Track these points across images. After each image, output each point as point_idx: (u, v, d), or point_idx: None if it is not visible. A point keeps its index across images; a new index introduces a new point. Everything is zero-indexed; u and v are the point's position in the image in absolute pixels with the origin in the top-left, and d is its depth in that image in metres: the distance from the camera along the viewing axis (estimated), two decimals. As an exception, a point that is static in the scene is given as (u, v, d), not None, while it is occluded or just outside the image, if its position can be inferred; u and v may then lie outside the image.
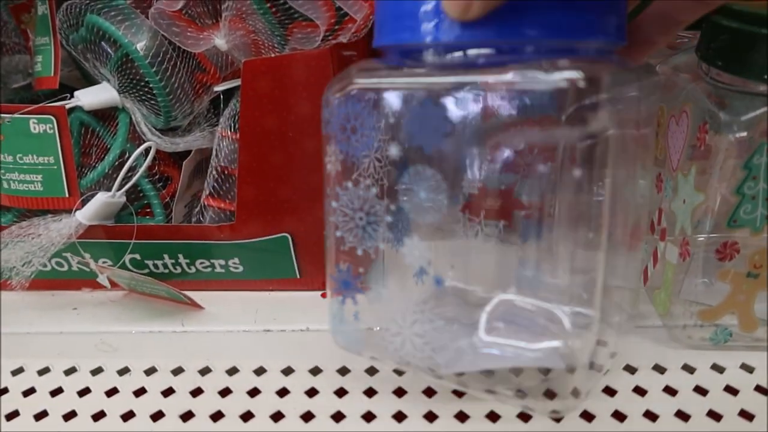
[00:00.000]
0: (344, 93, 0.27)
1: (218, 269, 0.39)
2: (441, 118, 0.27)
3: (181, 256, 0.39)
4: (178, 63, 0.36)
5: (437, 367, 0.29)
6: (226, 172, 0.37)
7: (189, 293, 0.38)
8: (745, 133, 0.29)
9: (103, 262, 0.39)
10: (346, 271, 0.30)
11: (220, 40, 0.34)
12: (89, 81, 0.40)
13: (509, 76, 0.23)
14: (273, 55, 0.34)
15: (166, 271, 0.40)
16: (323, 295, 0.40)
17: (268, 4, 0.34)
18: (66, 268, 0.40)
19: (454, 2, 0.21)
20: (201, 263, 0.39)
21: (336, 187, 0.28)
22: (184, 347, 0.36)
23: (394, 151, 0.27)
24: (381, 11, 0.26)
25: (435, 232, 0.29)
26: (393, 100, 0.27)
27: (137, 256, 0.39)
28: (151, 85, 0.36)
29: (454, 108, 0.26)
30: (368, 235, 0.29)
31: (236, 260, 0.39)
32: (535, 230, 0.29)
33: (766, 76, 0.28)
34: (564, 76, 0.22)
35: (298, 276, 0.39)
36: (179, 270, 0.40)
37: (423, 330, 0.29)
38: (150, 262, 0.39)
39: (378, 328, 0.31)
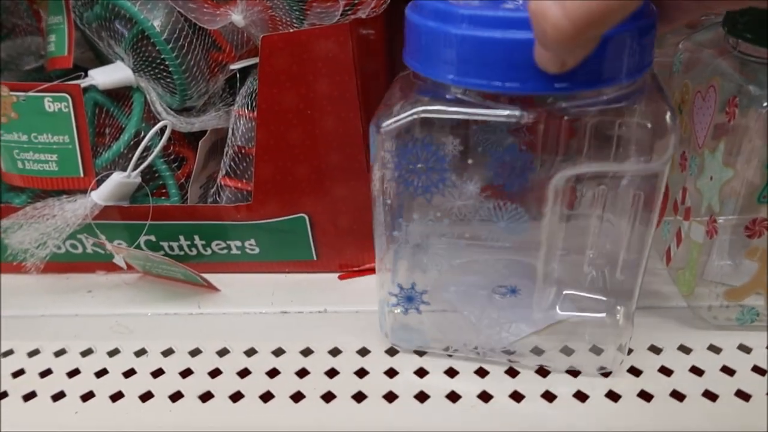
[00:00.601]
0: (404, 128, 0.25)
1: (234, 251, 0.39)
2: (525, 159, 0.27)
3: (196, 237, 0.38)
4: (194, 41, 0.35)
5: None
6: (242, 151, 0.37)
7: (205, 275, 0.37)
8: (775, 107, 0.28)
9: (118, 244, 0.38)
10: (409, 288, 0.31)
11: (237, 16, 0.34)
12: (103, 62, 0.39)
13: (586, 120, 0.24)
14: (291, 31, 0.33)
15: (182, 253, 0.39)
16: (341, 277, 0.39)
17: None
18: (80, 250, 0.39)
19: (550, 62, 0.22)
20: (217, 245, 0.39)
21: (398, 218, 0.29)
22: (200, 329, 0.36)
23: (471, 187, 0.27)
24: (440, 44, 0.23)
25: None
26: (465, 138, 0.26)
27: (152, 238, 0.38)
28: (167, 63, 0.35)
29: (535, 147, 0.27)
30: (437, 257, 0.31)
31: (252, 242, 0.38)
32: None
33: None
34: (639, 120, 0.24)
35: (315, 258, 0.39)
36: (195, 252, 0.39)
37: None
38: (165, 244, 0.39)
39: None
